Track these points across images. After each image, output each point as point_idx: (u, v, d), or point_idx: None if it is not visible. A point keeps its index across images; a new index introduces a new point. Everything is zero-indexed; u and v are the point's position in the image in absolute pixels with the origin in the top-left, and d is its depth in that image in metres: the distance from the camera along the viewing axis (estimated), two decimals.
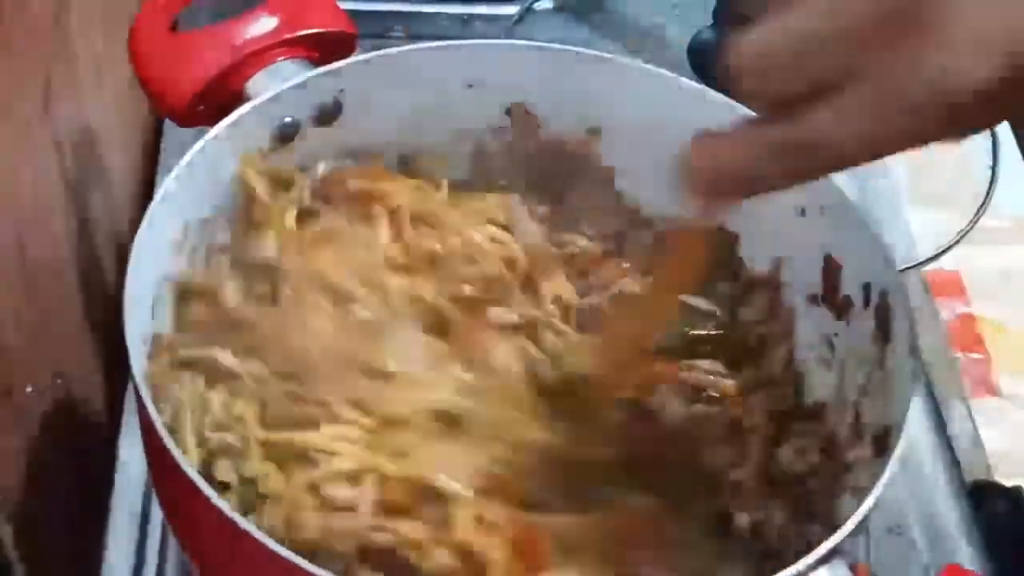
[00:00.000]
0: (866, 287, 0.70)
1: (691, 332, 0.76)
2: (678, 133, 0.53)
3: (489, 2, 1.06)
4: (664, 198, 0.77)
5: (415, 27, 1.04)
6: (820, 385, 0.73)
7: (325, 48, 0.76)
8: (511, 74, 0.78)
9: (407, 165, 0.79)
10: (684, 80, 0.76)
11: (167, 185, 0.67)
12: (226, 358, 0.67)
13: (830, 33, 0.47)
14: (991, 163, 0.89)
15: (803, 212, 0.74)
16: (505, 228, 0.76)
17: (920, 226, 0.90)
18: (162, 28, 0.75)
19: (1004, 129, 0.98)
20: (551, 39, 0.80)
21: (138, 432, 0.66)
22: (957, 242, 0.85)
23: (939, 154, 0.94)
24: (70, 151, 0.79)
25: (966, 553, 0.80)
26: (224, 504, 0.56)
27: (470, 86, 0.78)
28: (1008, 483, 0.83)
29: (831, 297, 0.74)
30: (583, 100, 0.79)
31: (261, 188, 0.71)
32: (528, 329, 0.73)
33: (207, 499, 0.56)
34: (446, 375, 0.68)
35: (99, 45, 0.86)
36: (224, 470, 0.64)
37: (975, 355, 0.94)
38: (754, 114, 0.52)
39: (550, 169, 0.80)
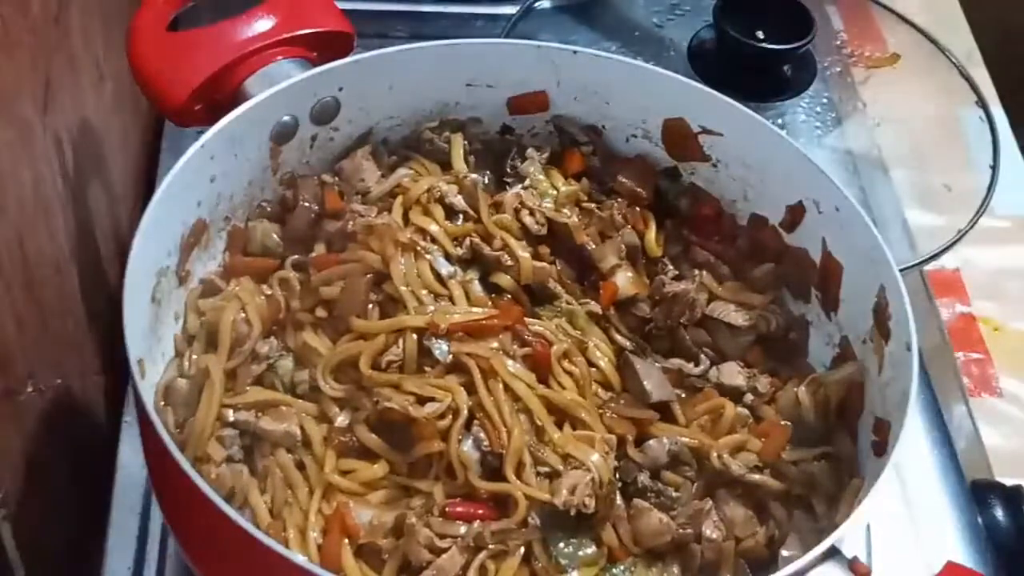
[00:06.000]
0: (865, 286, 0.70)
1: None
2: None
3: (489, 2, 1.06)
4: None
5: (415, 27, 1.04)
6: None
7: (323, 48, 0.76)
8: (511, 73, 0.78)
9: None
10: (684, 79, 0.76)
11: (167, 184, 0.67)
12: None
13: None
14: (991, 163, 0.88)
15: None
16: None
17: (920, 225, 0.90)
18: (160, 27, 0.75)
19: (1004, 129, 0.98)
20: (551, 39, 0.80)
21: (138, 432, 0.66)
22: (957, 241, 0.85)
23: (939, 153, 0.95)
24: (70, 150, 0.79)
25: (966, 552, 0.80)
26: (225, 505, 0.56)
27: (470, 85, 0.78)
28: (1008, 482, 0.83)
29: (830, 296, 0.74)
30: (583, 99, 0.79)
31: None
32: None
33: (207, 500, 0.56)
34: None
35: (99, 45, 0.86)
36: None
37: (975, 355, 0.94)
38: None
39: None
